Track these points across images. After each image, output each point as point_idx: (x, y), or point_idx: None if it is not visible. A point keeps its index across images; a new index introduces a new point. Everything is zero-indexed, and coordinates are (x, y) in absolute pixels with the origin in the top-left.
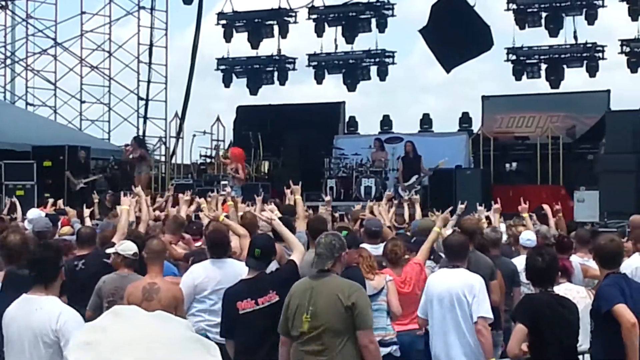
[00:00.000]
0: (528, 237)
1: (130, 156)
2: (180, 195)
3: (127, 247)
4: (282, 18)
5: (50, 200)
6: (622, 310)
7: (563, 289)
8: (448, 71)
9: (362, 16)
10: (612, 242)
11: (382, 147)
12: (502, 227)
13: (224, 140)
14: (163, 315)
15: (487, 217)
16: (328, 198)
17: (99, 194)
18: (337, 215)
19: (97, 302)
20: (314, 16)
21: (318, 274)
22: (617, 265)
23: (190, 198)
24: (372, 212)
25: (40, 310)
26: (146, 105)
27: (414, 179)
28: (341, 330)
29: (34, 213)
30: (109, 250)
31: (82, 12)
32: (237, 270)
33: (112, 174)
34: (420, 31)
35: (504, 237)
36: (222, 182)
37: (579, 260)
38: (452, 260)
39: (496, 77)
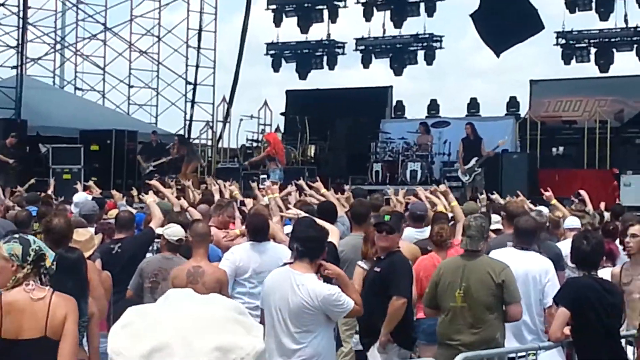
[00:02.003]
0: (572, 221)
1: (176, 155)
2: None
3: (173, 232)
4: (331, 2)
5: (91, 183)
6: None
7: (607, 273)
8: (498, 55)
9: (411, 0)
10: None
11: (428, 130)
12: (545, 210)
13: (270, 125)
14: (210, 297)
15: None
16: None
17: (145, 177)
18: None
19: (138, 282)
20: (363, 0)
21: (469, 254)
22: None
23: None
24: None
25: (302, 286)
26: (194, 89)
27: (473, 161)
28: (491, 305)
29: (81, 196)
30: (157, 231)
31: None
32: (278, 254)
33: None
34: (471, 15)
35: None
36: (262, 176)
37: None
38: (522, 243)
39: (545, 61)
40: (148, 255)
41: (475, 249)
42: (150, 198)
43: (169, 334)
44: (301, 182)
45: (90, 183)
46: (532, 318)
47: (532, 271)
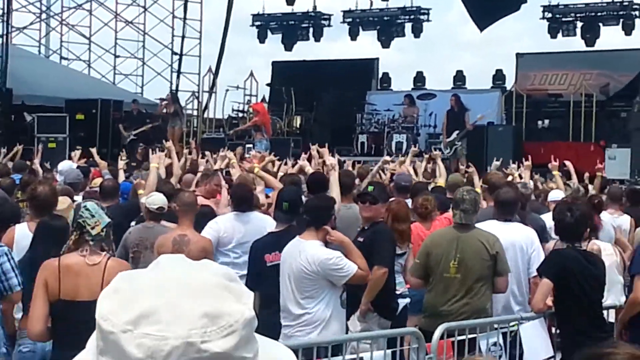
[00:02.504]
0: (557, 194)
1: (164, 111)
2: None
3: (153, 201)
4: None
5: (78, 152)
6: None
7: (589, 245)
8: (481, 30)
9: None
10: None
11: (413, 102)
12: (531, 183)
13: (256, 96)
14: (200, 263)
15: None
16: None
17: (130, 147)
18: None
19: (122, 252)
20: None
21: (462, 226)
22: None
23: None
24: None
25: (303, 252)
26: (180, 60)
27: (454, 134)
28: (484, 276)
29: (65, 165)
30: (141, 201)
31: None
32: (262, 223)
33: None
34: None
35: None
36: (247, 146)
37: (609, 217)
38: (504, 214)
39: (531, 35)
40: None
41: (469, 223)
42: (154, 163)
43: (157, 300)
44: (322, 149)
45: (93, 151)
46: (520, 288)
47: (517, 242)
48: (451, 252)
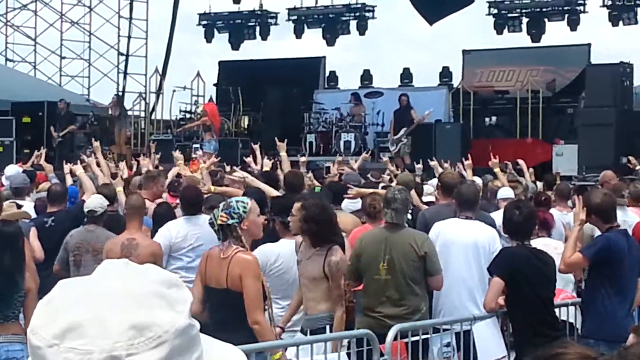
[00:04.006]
0: (505, 192)
1: (111, 113)
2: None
3: (88, 204)
4: None
5: (34, 154)
6: (576, 258)
7: (541, 243)
8: (431, 24)
9: None
10: (608, 196)
11: (360, 101)
12: (478, 181)
13: (203, 96)
14: (141, 269)
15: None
16: (303, 159)
17: (78, 150)
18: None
19: (63, 256)
20: None
21: (392, 225)
22: (616, 218)
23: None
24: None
25: None
26: (126, 60)
27: (402, 131)
28: (415, 277)
29: (12, 169)
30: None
31: None
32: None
33: (91, 129)
34: None
35: None
36: (194, 146)
37: (558, 214)
38: (465, 211)
39: (477, 31)
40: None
41: (400, 222)
42: (79, 169)
43: (84, 312)
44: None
45: (42, 152)
46: (485, 287)
47: (480, 241)
48: (380, 253)
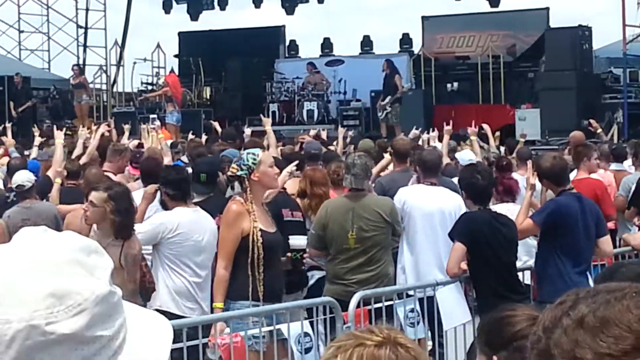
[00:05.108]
0: (469, 157)
1: (72, 82)
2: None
3: (16, 179)
4: None
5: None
6: (526, 224)
7: (505, 209)
8: None
9: None
10: (558, 159)
11: (316, 70)
12: (440, 146)
13: (164, 67)
14: (60, 236)
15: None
16: (268, 127)
17: (40, 124)
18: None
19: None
20: None
21: (354, 193)
22: (568, 181)
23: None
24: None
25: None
26: (85, 33)
27: (387, 99)
28: (384, 243)
29: None
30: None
31: None
32: None
33: (53, 103)
34: None
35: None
36: (152, 116)
37: (520, 178)
38: (429, 177)
39: None
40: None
41: (360, 187)
42: (59, 139)
43: (0, 281)
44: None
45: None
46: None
47: (446, 207)
48: (347, 223)
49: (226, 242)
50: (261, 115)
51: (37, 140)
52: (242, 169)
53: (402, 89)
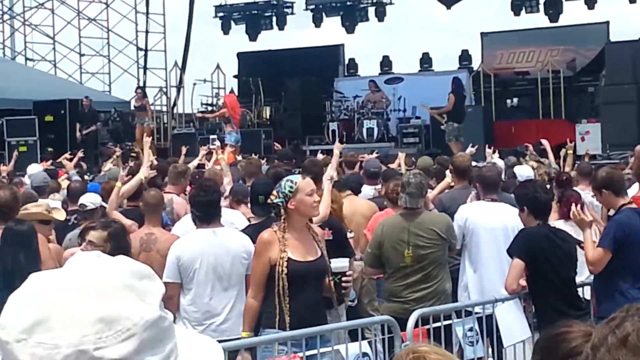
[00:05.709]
0: (527, 172)
1: (134, 104)
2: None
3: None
4: None
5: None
6: (598, 255)
7: (569, 224)
8: (449, 7)
9: None
10: (613, 169)
11: (378, 88)
12: (501, 162)
13: (224, 88)
14: (112, 261)
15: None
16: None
17: (101, 146)
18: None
19: None
20: None
21: (409, 211)
22: (626, 192)
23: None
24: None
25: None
26: (145, 55)
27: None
28: (440, 260)
29: (34, 168)
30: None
31: None
32: (230, 219)
33: (114, 125)
34: None
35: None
36: (212, 137)
37: (581, 193)
38: (489, 194)
39: (495, 13)
40: None
41: (415, 207)
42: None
43: (51, 305)
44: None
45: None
46: None
47: (509, 224)
48: (403, 241)
49: (255, 271)
50: (337, 141)
51: (69, 165)
52: (279, 197)
53: (440, 118)
